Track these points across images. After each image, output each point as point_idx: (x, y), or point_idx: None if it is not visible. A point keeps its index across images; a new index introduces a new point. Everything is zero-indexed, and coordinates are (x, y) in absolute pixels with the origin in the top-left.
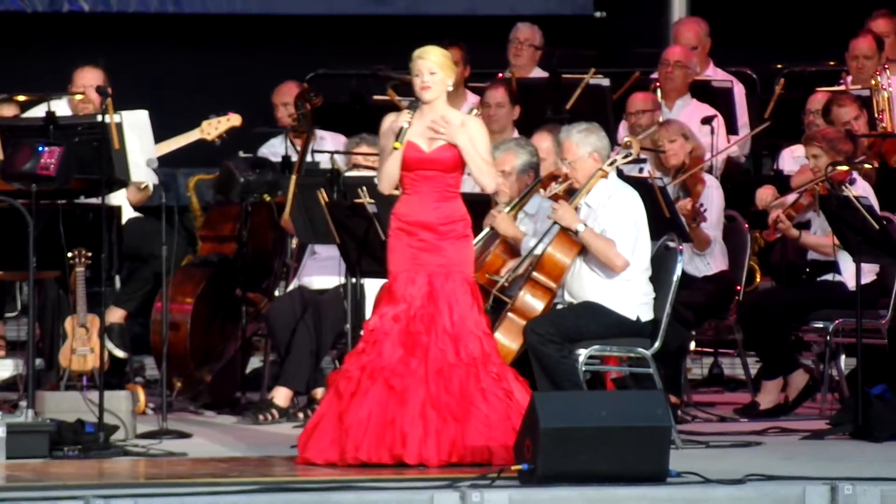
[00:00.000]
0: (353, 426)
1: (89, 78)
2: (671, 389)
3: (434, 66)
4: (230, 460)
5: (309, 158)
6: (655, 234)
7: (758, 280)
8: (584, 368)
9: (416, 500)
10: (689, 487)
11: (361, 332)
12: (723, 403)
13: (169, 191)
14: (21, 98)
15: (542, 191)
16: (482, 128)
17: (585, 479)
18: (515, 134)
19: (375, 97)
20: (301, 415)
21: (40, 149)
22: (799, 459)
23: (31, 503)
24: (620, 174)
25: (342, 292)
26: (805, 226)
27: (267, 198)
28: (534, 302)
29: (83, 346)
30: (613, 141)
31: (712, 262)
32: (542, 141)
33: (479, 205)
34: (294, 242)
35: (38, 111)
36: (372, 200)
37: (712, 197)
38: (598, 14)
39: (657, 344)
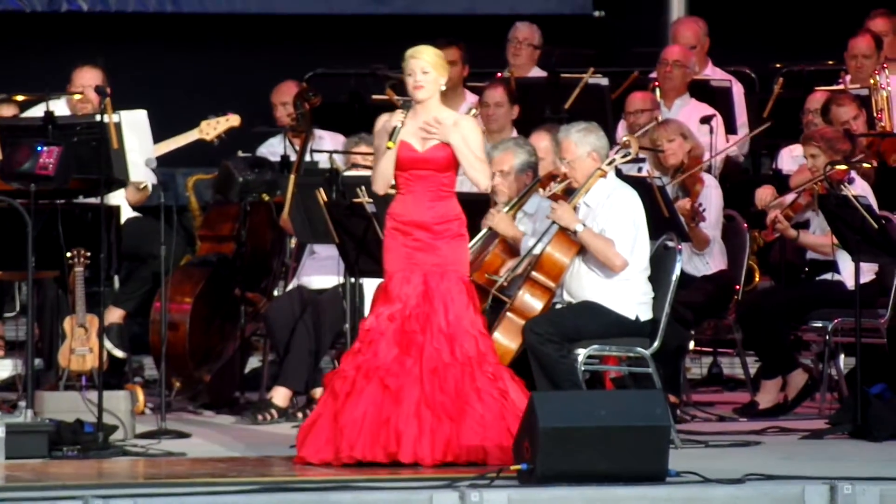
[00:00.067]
0: (348, 425)
1: (88, 78)
2: (670, 389)
3: (427, 65)
4: (229, 460)
5: (308, 158)
6: (654, 233)
7: (757, 279)
8: (583, 368)
9: (415, 500)
10: (688, 487)
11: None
12: (722, 403)
13: (168, 190)
14: (20, 98)
15: (540, 190)
16: (475, 126)
17: (585, 479)
18: (514, 133)
19: (374, 97)
20: (300, 414)
21: (39, 148)
22: (798, 459)
23: (30, 503)
24: (619, 174)
25: (341, 292)
26: (804, 225)
27: (266, 197)
28: (533, 301)
29: (82, 345)
30: (612, 140)
31: (711, 262)
32: (541, 140)
33: (478, 204)
34: (293, 242)
35: (37, 111)
36: (371, 200)
37: (711, 196)
38: (596, 13)
39: (656, 343)
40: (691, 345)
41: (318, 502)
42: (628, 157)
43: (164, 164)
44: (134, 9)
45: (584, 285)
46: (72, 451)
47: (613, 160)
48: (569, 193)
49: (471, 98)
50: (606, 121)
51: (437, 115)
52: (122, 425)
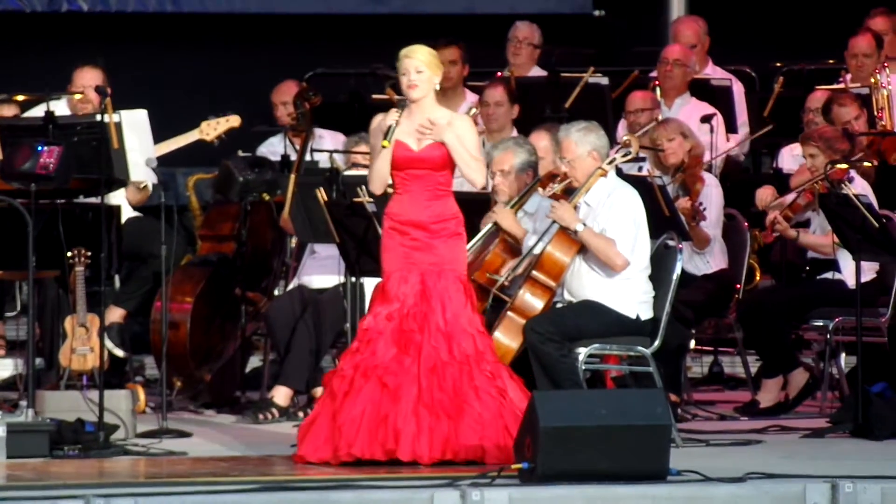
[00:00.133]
0: (347, 423)
1: (88, 78)
2: (671, 388)
3: (421, 64)
4: (230, 459)
5: (308, 157)
6: (655, 232)
7: (757, 278)
8: (583, 367)
9: (416, 499)
10: (689, 486)
11: None
12: (723, 402)
13: (168, 190)
14: (20, 98)
15: (541, 190)
16: (470, 125)
17: (586, 478)
18: (514, 133)
19: (374, 96)
20: (301, 414)
21: (39, 148)
22: (799, 458)
23: (31, 503)
24: (620, 173)
25: (341, 291)
26: (804, 225)
27: (266, 197)
28: (533, 301)
29: (83, 345)
30: (612, 140)
31: (712, 261)
32: (541, 140)
33: (476, 204)
34: (293, 241)
35: (38, 111)
36: (371, 199)
37: (712, 195)
38: (597, 13)
39: (657, 342)
40: (692, 344)
41: (319, 501)
42: (629, 157)
43: (165, 164)
44: (134, 9)
45: (584, 284)
46: (73, 451)
47: (614, 159)
48: (569, 193)
49: (471, 97)
50: (607, 120)
51: (432, 114)
52: (123, 425)
